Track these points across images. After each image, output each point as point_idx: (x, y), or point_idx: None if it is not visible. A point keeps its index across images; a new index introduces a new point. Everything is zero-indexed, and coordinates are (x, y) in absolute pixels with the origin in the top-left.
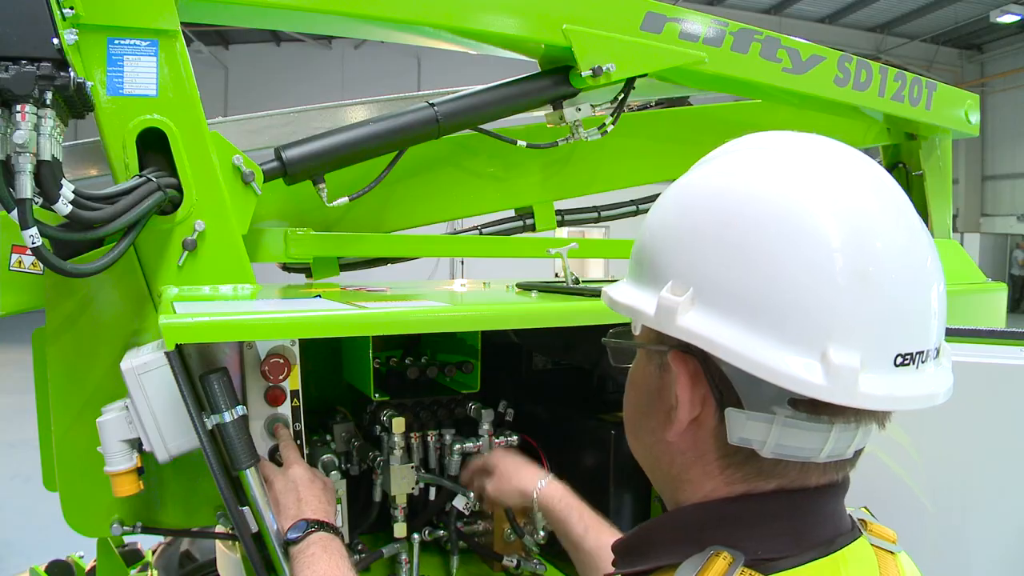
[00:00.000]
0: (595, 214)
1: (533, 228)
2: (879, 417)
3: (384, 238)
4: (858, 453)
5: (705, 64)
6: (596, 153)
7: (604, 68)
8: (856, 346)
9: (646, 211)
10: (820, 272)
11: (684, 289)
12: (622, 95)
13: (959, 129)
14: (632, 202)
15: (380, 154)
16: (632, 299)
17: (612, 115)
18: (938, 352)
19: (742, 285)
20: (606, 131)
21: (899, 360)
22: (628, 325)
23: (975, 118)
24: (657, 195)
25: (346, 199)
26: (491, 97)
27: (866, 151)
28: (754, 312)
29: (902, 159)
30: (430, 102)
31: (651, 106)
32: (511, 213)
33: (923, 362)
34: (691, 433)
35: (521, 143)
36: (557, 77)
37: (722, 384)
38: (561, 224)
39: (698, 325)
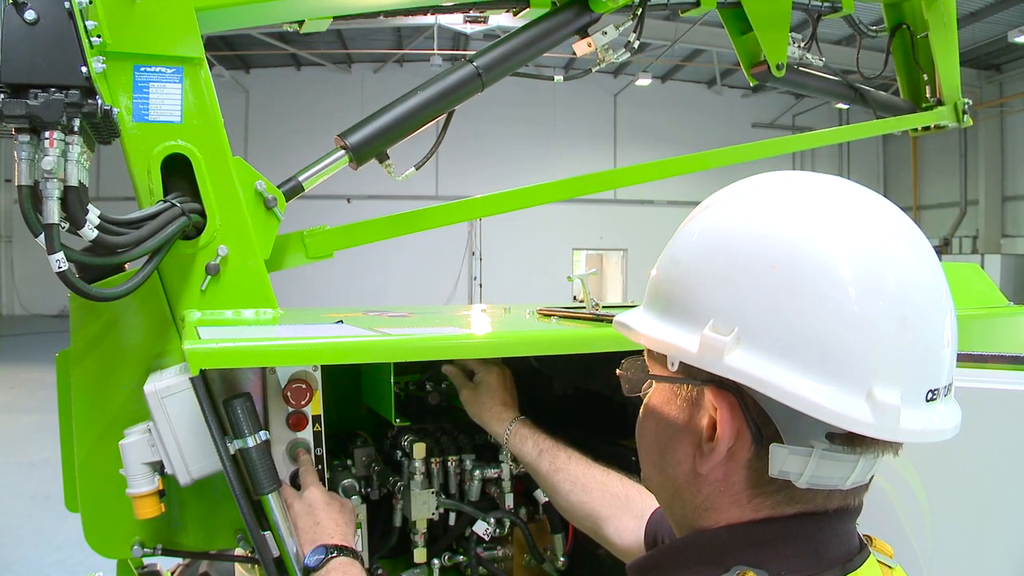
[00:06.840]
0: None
1: None
2: (895, 447)
3: (394, 219)
4: (871, 479)
5: None
6: None
7: None
8: (897, 385)
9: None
10: (865, 317)
11: (728, 328)
12: (640, 10)
13: None
14: None
15: (434, 118)
16: (666, 335)
17: (635, 30)
18: (950, 385)
19: (790, 326)
20: (633, 48)
21: (929, 396)
22: (641, 355)
23: None
24: None
25: (413, 169)
26: (523, 40)
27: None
28: (801, 352)
29: (905, 20)
30: (469, 59)
31: None
32: None
33: (944, 395)
34: (723, 464)
35: (558, 78)
36: (576, 8)
37: (760, 419)
38: None
39: (746, 364)
